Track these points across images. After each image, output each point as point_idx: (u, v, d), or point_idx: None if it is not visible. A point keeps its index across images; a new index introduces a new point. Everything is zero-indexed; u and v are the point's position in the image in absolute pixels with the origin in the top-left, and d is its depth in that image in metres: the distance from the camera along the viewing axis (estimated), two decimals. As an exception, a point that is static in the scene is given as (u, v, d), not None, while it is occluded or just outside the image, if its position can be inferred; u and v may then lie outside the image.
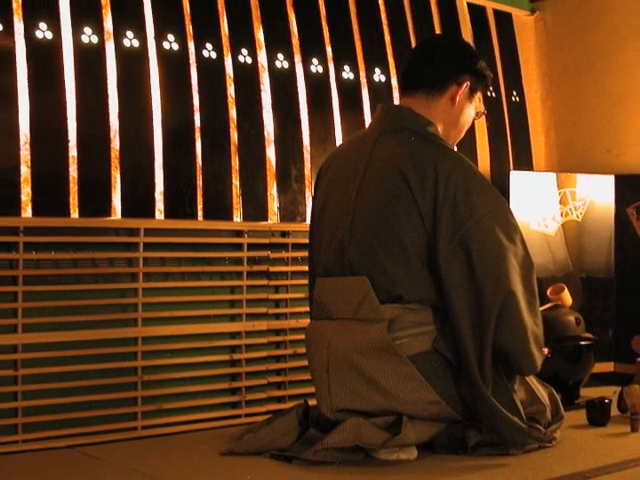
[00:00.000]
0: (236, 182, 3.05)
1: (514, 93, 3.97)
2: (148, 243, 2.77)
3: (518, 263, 2.39)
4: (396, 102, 3.30)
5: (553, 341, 2.95)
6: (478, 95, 2.64)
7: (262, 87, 3.16)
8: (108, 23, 2.82)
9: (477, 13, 3.89)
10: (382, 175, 2.43)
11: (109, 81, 2.80)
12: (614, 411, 2.80)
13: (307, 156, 3.25)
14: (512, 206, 2.98)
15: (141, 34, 2.88)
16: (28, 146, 2.64)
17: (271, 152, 3.16)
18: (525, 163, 3.96)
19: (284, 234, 3.08)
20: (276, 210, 3.14)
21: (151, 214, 2.85)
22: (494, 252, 2.35)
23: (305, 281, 2.84)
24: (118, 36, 2.83)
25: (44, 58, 2.68)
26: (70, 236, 2.64)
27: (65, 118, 2.70)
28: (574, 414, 2.80)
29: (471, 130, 3.23)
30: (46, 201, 2.65)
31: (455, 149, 2.58)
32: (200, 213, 2.95)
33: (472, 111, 2.62)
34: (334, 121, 3.34)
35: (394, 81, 3.52)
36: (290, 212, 3.17)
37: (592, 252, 3.65)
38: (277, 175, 3.16)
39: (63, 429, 2.58)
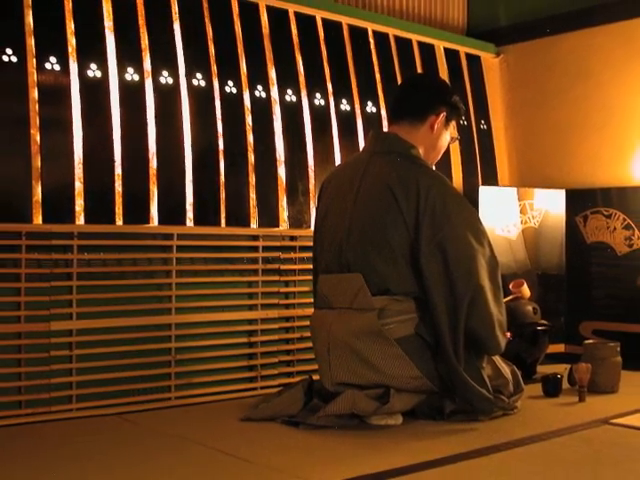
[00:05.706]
0: (252, 195, 3.05)
1: (482, 122, 3.97)
2: (180, 246, 2.77)
3: (486, 262, 2.40)
4: (385, 129, 3.32)
5: (514, 327, 2.95)
6: (453, 124, 2.64)
7: (274, 117, 3.16)
8: (147, 64, 2.83)
9: (452, 56, 3.89)
10: (374, 190, 2.44)
11: (148, 112, 2.81)
12: (565, 385, 2.80)
13: (311, 174, 3.25)
14: (481, 215, 2.98)
15: (174, 73, 2.88)
16: (81, 165, 2.64)
17: (282, 171, 3.16)
18: (491, 179, 3.96)
19: (292, 238, 3.08)
20: (286, 218, 3.15)
21: (183, 222, 2.86)
22: (466, 253, 2.36)
23: (310, 277, 2.84)
24: (155, 75, 2.83)
25: (94, 93, 2.69)
26: (115, 240, 2.64)
27: (111, 142, 2.71)
28: (532, 387, 2.81)
29: (447, 152, 3.21)
30: (96, 211, 2.65)
31: (434, 168, 2.59)
32: (223, 221, 2.95)
33: (448, 137, 2.63)
34: (334, 145, 3.34)
35: (383, 112, 3.53)
36: (297, 220, 3.17)
37: (547, 253, 3.66)
38: (287, 190, 3.16)
39: (110, 399, 2.58)
